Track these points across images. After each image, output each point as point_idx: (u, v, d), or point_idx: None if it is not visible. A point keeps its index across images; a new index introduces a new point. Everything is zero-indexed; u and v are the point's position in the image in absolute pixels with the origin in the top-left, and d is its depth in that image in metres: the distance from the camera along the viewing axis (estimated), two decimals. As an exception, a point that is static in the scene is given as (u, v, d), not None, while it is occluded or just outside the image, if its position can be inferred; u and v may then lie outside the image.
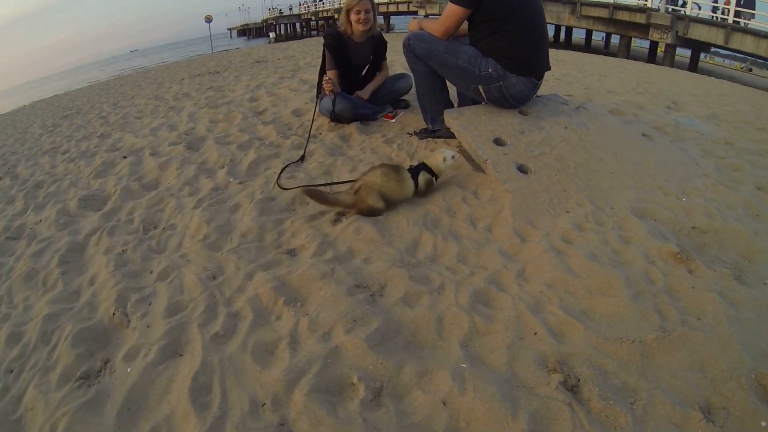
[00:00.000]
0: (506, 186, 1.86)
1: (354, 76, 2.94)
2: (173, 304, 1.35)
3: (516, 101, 2.26)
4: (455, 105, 2.54)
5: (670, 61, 13.22)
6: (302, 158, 2.46)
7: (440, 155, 1.83)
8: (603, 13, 14.59)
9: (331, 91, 2.69)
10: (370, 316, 1.24)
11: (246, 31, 50.08)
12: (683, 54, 14.52)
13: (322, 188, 1.96)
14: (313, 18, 33.99)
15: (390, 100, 3.03)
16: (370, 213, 1.75)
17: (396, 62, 4.70)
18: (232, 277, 1.46)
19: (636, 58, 14.61)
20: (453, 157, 1.83)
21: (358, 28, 2.77)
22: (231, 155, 2.54)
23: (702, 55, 14.97)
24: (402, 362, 1.09)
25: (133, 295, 1.43)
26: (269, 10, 43.60)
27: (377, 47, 2.90)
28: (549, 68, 2.25)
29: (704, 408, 1.00)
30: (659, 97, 5.29)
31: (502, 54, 2.08)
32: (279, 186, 2.11)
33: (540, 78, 2.25)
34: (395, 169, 1.82)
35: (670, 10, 12.46)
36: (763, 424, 0.96)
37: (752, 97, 7.88)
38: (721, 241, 1.87)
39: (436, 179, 1.88)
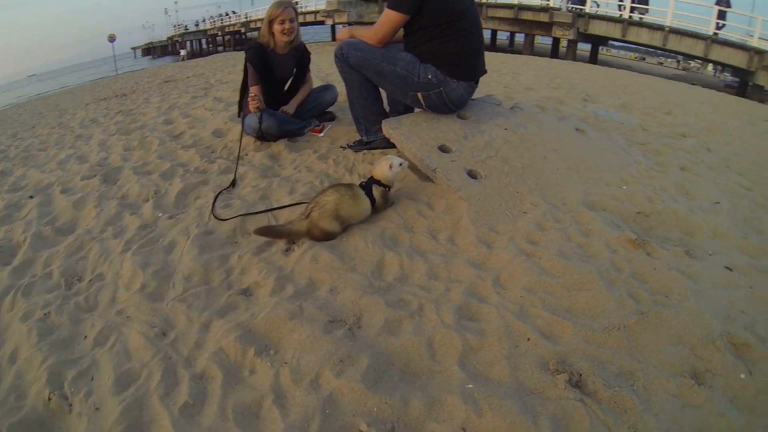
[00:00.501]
0: (460, 194, 2.05)
1: (278, 90, 3.12)
2: (122, 374, 1.27)
3: (456, 106, 2.52)
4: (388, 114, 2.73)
5: (572, 55, 15.75)
6: (233, 183, 2.50)
7: (386, 163, 1.94)
8: (508, 14, 17.40)
9: (257, 107, 2.77)
10: (356, 352, 1.27)
11: (151, 50, 53.49)
12: (583, 48, 17.37)
13: (273, 222, 2.01)
14: (220, 33, 35.85)
15: (315, 113, 3.25)
16: (324, 238, 1.81)
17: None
18: (186, 332, 1.42)
19: (539, 54, 17.09)
20: (401, 164, 1.95)
21: (281, 39, 2.91)
22: (154, 186, 2.54)
23: (600, 48, 18.06)
24: (406, 396, 1.14)
25: (68, 371, 1.34)
26: (174, 26, 46.35)
27: (301, 59, 3.11)
28: (486, 71, 2.55)
29: (692, 374, 1.25)
30: (574, 91, 6.22)
31: (442, 60, 2.32)
32: (215, 217, 2.11)
33: (477, 81, 2.55)
34: (348, 187, 1.91)
35: (571, 9, 15.04)
36: (743, 376, 1.21)
37: (653, 84, 9.70)
38: (664, 222, 2.29)
39: (389, 190, 2.00)
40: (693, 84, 12.03)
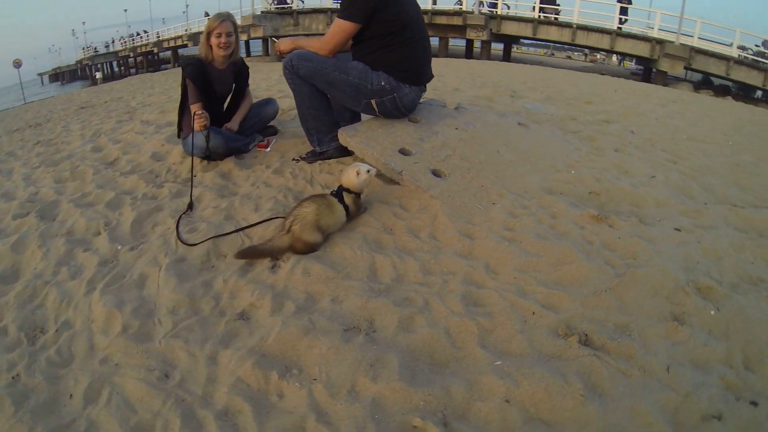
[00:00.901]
0: (431, 193, 2.32)
1: (218, 107, 3.30)
2: (133, 430, 1.26)
3: (407, 110, 2.83)
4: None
5: (487, 55, 17.38)
6: (191, 206, 2.57)
7: (353, 171, 2.15)
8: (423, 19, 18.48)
9: (204, 125, 2.86)
10: (383, 354, 1.44)
11: (59, 75, 54.18)
12: (496, 47, 19.21)
13: (245, 242, 2.13)
14: (132, 54, 36.21)
15: (258, 128, 3.48)
16: (309, 250, 1.96)
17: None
18: (192, 369, 1.47)
19: (454, 55, 18.55)
20: (368, 171, 2.17)
21: (219, 54, 3.07)
22: (102, 218, 2.58)
23: (513, 46, 20.10)
24: (445, 385, 1.34)
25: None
26: (83, 49, 45.88)
27: (239, 74, 3.31)
28: (433, 76, 2.89)
29: (673, 318, 1.62)
30: (499, 89, 6.96)
31: (394, 66, 2.62)
32: (184, 243, 2.17)
33: (425, 86, 2.88)
34: (322, 197, 2.09)
35: (483, 11, 16.92)
36: (712, 312, 1.60)
37: (567, 76, 11.03)
38: (613, 198, 2.77)
39: (359, 197, 2.21)
40: (602, 74, 13.98)
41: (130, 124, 4.87)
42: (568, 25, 15.64)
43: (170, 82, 10.46)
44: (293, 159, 3.09)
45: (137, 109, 6.05)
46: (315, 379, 1.38)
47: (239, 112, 3.32)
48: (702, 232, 2.37)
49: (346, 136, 2.68)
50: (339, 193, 2.16)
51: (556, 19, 16.25)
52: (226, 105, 3.36)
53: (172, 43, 29.19)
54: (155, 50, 31.65)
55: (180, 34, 27.89)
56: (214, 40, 3.02)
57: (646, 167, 3.46)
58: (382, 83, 2.63)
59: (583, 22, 15.35)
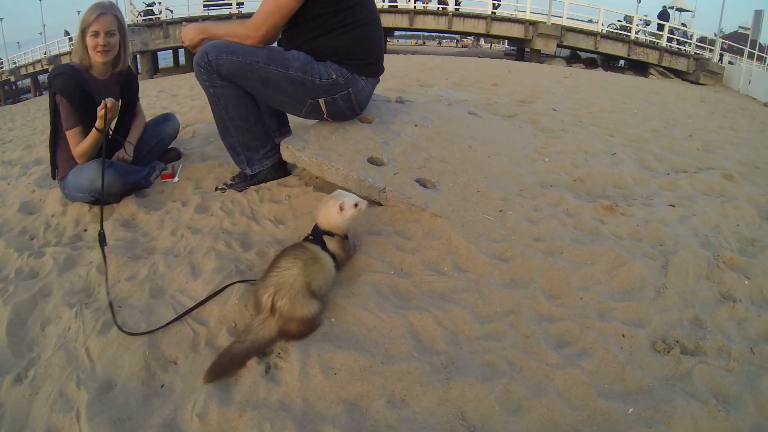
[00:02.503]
0: (431, 210, 1.97)
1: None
2: None
3: (361, 109, 2.43)
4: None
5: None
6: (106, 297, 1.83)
7: (334, 206, 1.64)
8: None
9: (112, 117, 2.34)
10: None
11: None
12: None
13: (229, 349, 1.42)
14: None
15: (157, 153, 2.93)
16: (308, 329, 1.46)
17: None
18: None
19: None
20: (357, 204, 1.67)
21: (96, 59, 2.37)
22: None
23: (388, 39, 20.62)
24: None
25: None
26: None
27: (127, 85, 2.70)
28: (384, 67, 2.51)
29: (724, 297, 1.71)
30: (405, 79, 6.85)
31: (346, 54, 2.19)
32: (125, 332, 1.56)
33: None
34: (304, 249, 1.58)
35: None
36: (746, 282, 1.77)
37: (454, 62, 11.41)
38: (595, 182, 2.70)
39: (346, 238, 1.76)
40: (480, 57, 14.76)
41: None
42: (444, 14, 16.41)
43: (33, 112, 8.62)
44: (216, 188, 2.52)
45: None
46: None
47: (132, 135, 2.72)
48: (690, 204, 2.48)
49: (293, 150, 2.20)
50: (318, 237, 1.66)
51: (425, 7, 16.78)
52: (112, 127, 2.64)
53: (30, 69, 25.87)
54: (12, 78, 27.75)
55: (39, 58, 25.00)
56: (90, 41, 2.34)
57: (599, 144, 3.50)
58: (334, 76, 2.19)
59: (460, 9, 16.22)
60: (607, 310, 1.57)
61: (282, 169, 2.51)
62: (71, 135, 2.36)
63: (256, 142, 2.37)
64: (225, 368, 1.36)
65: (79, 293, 1.87)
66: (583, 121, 4.47)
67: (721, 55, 15.30)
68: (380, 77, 2.47)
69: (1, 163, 3.81)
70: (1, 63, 29.63)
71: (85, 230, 2.36)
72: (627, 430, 1.17)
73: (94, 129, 2.31)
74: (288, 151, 2.23)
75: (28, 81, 27.47)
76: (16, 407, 1.39)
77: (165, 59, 23.15)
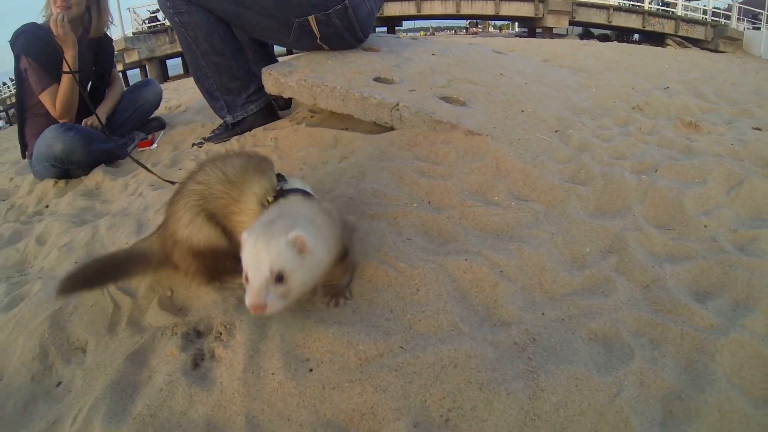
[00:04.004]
0: (467, 127, 1.37)
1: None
2: None
3: (363, 31, 1.85)
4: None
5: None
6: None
7: (282, 245, 0.74)
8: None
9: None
10: None
11: None
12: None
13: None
14: None
15: (137, 123, 2.53)
16: (196, 269, 0.93)
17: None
18: None
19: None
20: (315, 239, 0.77)
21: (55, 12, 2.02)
22: None
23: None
24: None
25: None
26: None
27: (101, 50, 2.36)
28: None
29: None
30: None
31: None
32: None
33: None
34: (240, 161, 0.96)
35: None
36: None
37: (475, 40, 10.70)
38: (657, 110, 2.15)
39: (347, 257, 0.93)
40: (497, 37, 14.06)
41: None
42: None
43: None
44: (193, 144, 2.03)
45: None
46: None
47: (106, 102, 2.37)
48: None
49: (278, 76, 1.63)
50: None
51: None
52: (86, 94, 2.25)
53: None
54: None
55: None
56: None
57: (646, 83, 2.87)
58: None
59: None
60: (748, 242, 0.98)
61: (271, 115, 1.96)
62: (46, 97, 2.04)
63: (236, 83, 1.84)
64: (81, 282, 0.94)
65: (10, 268, 1.48)
66: (617, 70, 3.86)
67: (739, 22, 14.36)
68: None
69: None
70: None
71: (47, 206, 1.99)
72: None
73: (63, 75, 2.01)
74: (270, 77, 1.67)
75: None
76: None
77: (174, 68, 23.00)
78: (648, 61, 5.40)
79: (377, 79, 1.63)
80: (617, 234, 0.98)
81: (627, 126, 1.63)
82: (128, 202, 1.63)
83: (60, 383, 0.85)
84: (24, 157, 2.30)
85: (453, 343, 0.73)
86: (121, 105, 2.46)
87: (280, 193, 0.87)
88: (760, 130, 1.88)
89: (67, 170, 2.09)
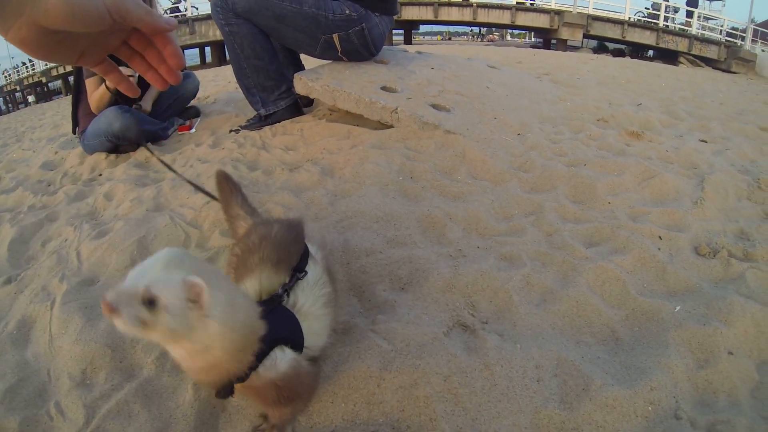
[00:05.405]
0: (444, 127, 1.80)
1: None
2: None
3: (376, 48, 2.29)
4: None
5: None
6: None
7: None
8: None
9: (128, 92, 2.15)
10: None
11: None
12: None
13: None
14: (18, 88, 33.12)
15: (176, 110, 2.89)
16: None
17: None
18: None
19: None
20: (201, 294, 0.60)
21: None
22: None
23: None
24: (660, 364, 0.91)
25: None
26: None
27: None
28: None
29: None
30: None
31: None
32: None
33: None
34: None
35: None
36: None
37: (487, 48, 11.12)
38: (621, 123, 2.51)
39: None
40: (510, 47, 14.40)
41: (15, 146, 3.95)
42: (468, 5, 15.87)
43: (62, 107, 8.88)
44: (230, 131, 2.44)
45: (25, 133, 4.99)
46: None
47: (151, 90, 2.66)
48: (724, 141, 2.29)
49: (306, 81, 2.08)
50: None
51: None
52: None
53: (61, 70, 26.81)
54: (43, 80, 28.96)
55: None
56: None
57: (624, 98, 3.27)
58: (347, 12, 2.07)
59: (483, 0, 15.69)
60: (640, 215, 1.36)
61: (297, 110, 2.40)
62: (90, 83, 2.34)
63: (270, 83, 2.28)
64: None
65: (84, 216, 1.80)
66: (609, 84, 4.24)
67: (754, 44, 14.53)
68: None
69: (30, 140, 3.89)
70: (33, 64, 30.64)
71: (100, 175, 2.31)
72: (677, 328, 0.96)
73: (104, 86, 2.29)
74: (301, 82, 2.11)
75: (59, 82, 27.64)
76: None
77: (191, 58, 23.27)
78: (646, 79, 5.75)
79: (383, 88, 2.07)
80: (540, 203, 1.40)
81: (580, 133, 2.02)
82: (181, 172, 2.04)
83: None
84: (74, 132, 2.64)
85: (414, 250, 1.18)
86: (164, 93, 2.76)
87: (273, 300, 0.75)
88: (706, 142, 2.24)
89: (117, 146, 2.42)
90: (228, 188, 1.12)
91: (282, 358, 0.70)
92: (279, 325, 0.71)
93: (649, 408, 0.81)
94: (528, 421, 0.81)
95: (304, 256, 0.83)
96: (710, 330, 0.94)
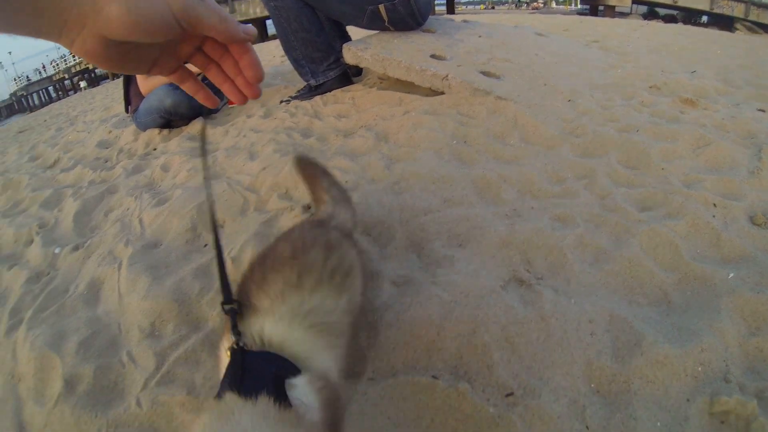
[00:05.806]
0: (497, 94, 1.83)
1: None
2: None
3: (422, 17, 2.30)
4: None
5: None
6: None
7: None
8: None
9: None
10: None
11: None
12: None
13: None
14: (67, 76, 35.54)
15: None
16: None
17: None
18: None
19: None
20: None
21: None
22: (36, 220, 1.93)
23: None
24: (712, 328, 0.97)
25: None
26: (15, 80, 45.08)
27: None
28: None
29: None
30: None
31: None
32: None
33: None
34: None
35: None
36: None
37: (531, 16, 10.78)
38: (674, 90, 2.41)
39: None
40: (555, 14, 13.89)
41: (70, 128, 4.18)
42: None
43: (111, 91, 9.29)
44: (281, 102, 2.52)
45: (78, 116, 5.28)
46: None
47: None
48: None
49: (356, 51, 2.13)
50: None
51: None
52: None
53: None
54: (90, 66, 30.65)
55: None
56: None
57: (677, 65, 3.15)
58: None
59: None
60: (694, 182, 1.36)
61: (346, 80, 2.45)
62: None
63: (319, 54, 2.32)
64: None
65: (142, 187, 1.93)
66: (661, 52, 4.08)
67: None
68: None
69: (83, 123, 4.12)
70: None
71: (155, 149, 2.44)
72: (729, 294, 0.96)
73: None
74: (350, 52, 2.16)
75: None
76: (69, 269, 1.44)
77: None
78: (700, 46, 5.47)
79: (432, 56, 2.09)
80: (592, 168, 1.41)
81: (631, 100, 1.98)
82: (235, 141, 2.13)
83: (206, 245, 1.36)
84: (127, 111, 2.80)
85: (470, 209, 1.24)
86: None
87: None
88: (764, 111, 2.19)
89: (169, 121, 2.54)
90: (310, 173, 1.07)
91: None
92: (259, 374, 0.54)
93: (699, 368, 0.84)
94: (581, 371, 0.85)
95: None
96: (764, 298, 0.94)
